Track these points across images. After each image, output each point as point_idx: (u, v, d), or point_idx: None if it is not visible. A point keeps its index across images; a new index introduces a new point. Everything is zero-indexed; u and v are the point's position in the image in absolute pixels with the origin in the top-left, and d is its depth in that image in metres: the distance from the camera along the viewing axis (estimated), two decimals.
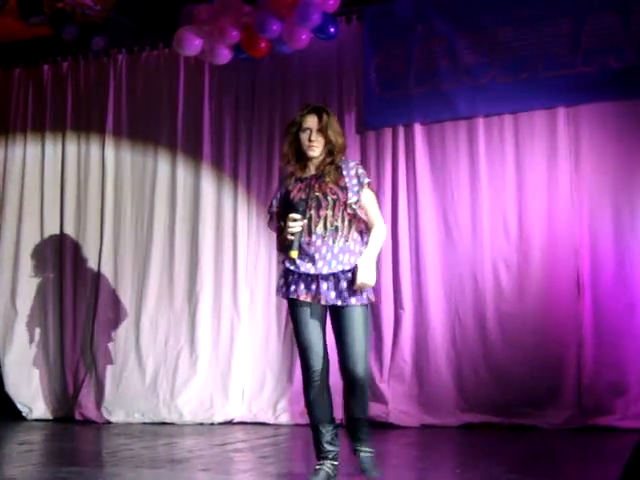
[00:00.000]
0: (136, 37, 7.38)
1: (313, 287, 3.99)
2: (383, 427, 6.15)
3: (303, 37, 6.32)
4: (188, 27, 6.49)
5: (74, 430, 6.79)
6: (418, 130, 6.49)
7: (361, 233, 4.10)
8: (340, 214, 4.02)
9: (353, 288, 3.97)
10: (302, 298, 4.00)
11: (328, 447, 4.05)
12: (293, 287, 4.03)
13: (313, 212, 4.01)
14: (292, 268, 4.01)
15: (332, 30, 6.41)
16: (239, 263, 6.99)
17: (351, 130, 6.70)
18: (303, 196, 4.05)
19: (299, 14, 6.13)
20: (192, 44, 6.50)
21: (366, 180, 4.12)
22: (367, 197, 4.12)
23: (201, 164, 7.17)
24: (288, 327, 6.73)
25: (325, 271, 3.96)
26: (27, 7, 6.72)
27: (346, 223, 4.03)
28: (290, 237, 3.94)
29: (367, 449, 4.14)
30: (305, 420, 6.38)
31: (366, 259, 4.00)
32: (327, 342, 4.06)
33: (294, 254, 3.95)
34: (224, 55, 6.54)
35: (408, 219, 6.51)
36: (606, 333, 5.96)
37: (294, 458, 5.45)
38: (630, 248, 5.96)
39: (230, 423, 6.72)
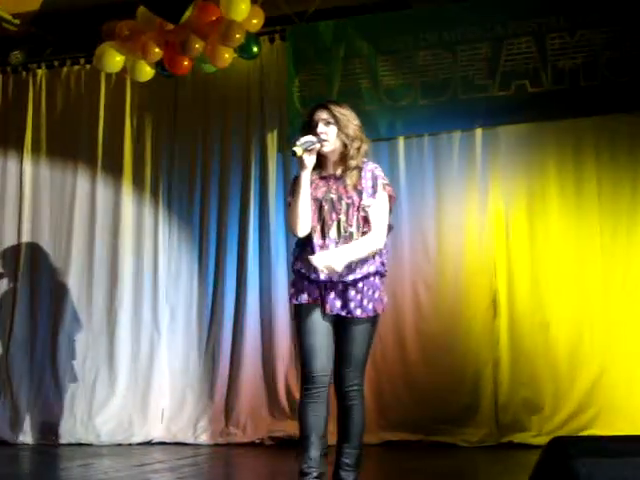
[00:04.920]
0: (56, 52, 7.29)
1: (321, 294, 3.78)
2: None
3: (226, 56, 6.33)
4: (110, 43, 6.43)
5: None
6: None
7: None
8: (354, 219, 3.78)
9: (313, 264, 3.68)
10: (311, 302, 3.78)
11: (316, 462, 3.67)
12: (301, 294, 3.80)
13: (326, 215, 3.79)
14: (303, 271, 3.81)
15: (255, 49, 6.44)
16: (159, 280, 6.92)
17: (274, 149, 6.74)
18: (319, 195, 3.83)
19: (222, 33, 6.13)
20: (113, 60, 6.45)
21: (383, 182, 3.86)
22: (378, 200, 3.84)
23: (121, 181, 7.09)
24: (209, 344, 6.71)
25: (335, 278, 3.73)
26: None
27: (360, 229, 3.79)
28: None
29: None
30: (225, 440, 6.44)
31: (338, 251, 3.72)
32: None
33: (298, 150, 3.72)
34: (146, 72, 6.50)
35: None
36: (521, 350, 6.08)
37: (213, 478, 5.40)
38: (544, 266, 6.10)
39: (149, 443, 6.63)
